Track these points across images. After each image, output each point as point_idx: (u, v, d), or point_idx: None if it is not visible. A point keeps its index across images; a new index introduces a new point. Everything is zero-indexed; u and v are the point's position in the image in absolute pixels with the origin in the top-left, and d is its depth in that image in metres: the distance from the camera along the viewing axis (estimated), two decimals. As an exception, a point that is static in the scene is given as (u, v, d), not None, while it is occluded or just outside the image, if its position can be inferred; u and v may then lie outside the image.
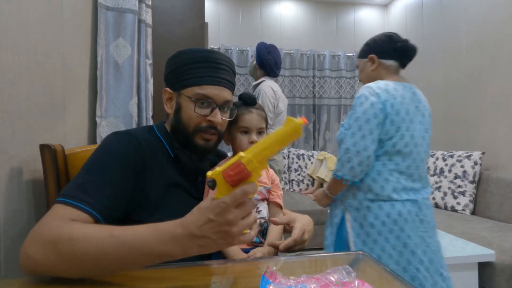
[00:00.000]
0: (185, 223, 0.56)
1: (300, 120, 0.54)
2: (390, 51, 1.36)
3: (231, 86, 0.89)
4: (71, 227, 0.61)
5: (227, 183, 0.56)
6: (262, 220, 0.96)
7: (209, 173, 0.57)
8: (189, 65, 0.84)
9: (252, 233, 0.60)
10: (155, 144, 0.85)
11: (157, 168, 0.82)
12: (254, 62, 2.55)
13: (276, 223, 0.87)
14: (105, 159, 0.75)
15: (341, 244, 1.37)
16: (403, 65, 1.38)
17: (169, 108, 0.89)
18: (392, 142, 1.25)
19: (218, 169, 0.57)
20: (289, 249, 0.84)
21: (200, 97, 0.83)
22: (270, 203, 1.01)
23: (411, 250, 1.23)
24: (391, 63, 1.36)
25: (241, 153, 0.56)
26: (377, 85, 1.28)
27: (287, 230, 0.92)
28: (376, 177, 1.27)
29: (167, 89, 0.89)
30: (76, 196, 0.67)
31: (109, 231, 0.59)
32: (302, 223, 0.88)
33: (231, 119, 0.91)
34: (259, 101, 2.41)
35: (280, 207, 1.01)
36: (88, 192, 0.69)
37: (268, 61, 2.48)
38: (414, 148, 1.28)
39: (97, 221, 0.68)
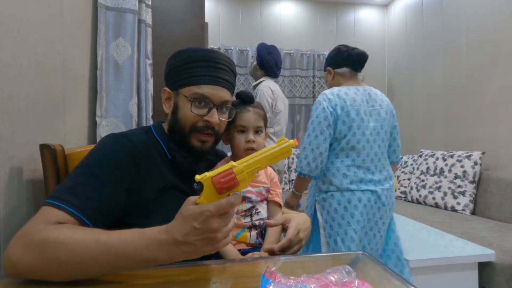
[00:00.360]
0: (170, 230, 0.56)
1: (291, 141, 0.61)
2: (340, 60, 1.56)
3: (230, 86, 0.87)
4: (58, 230, 0.60)
5: (214, 189, 0.57)
6: (261, 221, 0.96)
7: (198, 176, 0.57)
8: (188, 64, 0.83)
9: (230, 237, 0.60)
10: (152, 145, 0.84)
11: (154, 170, 0.81)
12: (255, 63, 2.55)
13: (270, 225, 0.86)
14: (97, 162, 0.73)
15: (315, 230, 1.55)
16: (355, 69, 1.57)
17: (167, 108, 0.88)
18: (346, 139, 1.45)
19: (208, 174, 0.58)
20: (285, 250, 0.83)
21: (198, 96, 0.82)
22: (269, 202, 1.01)
23: (366, 232, 1.45)
24: (344, 70, 1.57)
25: (233, 163, 0.59)
26: (331, 91, 1.49)
27: (284, 230, 0.92)
28: (335, 172, 1.46)
29: (166, 88, 0.88)
30: (64, 198, 0.66)
31: (95, 235, 0.59)
32: (297, 222, 0.86)
33: (230, 119, 0.90)
34: (257, 101, 2.40)
35: (280, 205, 1.01)
36: (76, 195, 0.67)
37: (268, 62, 2.49)
38: (367, 143, 1.46)
39: (83, 224, 0.66)
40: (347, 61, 1.55)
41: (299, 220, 0.88)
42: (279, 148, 0.61)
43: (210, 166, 0.97)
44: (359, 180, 1.44)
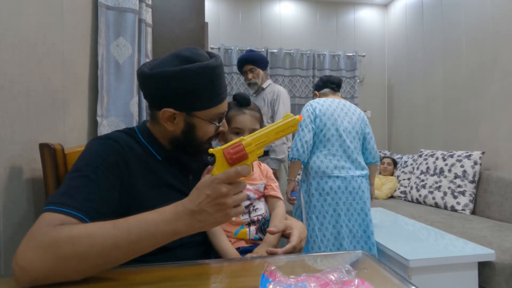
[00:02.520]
0: (185, 202, 0.62)
1: (297, 116, 0.65)
2: (321, 84, 2.15)
3: (227, 90, 0.92)
4: (67, 228, 0.60)
5: (225, 160, 0.64)
6: (260, 217, 0.97)
7: (211, 150, 0.65)
8: (204, 88, 0.79)
9: (241, 207, 0.65)
10: (137, 146, 0.83)
11: (143, 169, 0.81)
12: (260, 72, 2.63)
13: (272, 233, 0.88)
14: (87, 165, 0.73)
15: (298, 209, 2.00)
16: (333, 89, 2.11)
17: (172, 127, 0.83)
18: (323, 132, 1.90)
19: (219, 147, 0.64)
20: (287, 254, 0.86)
21: (219, 116, 0.85)
22: (267, 197, 1.02)
23: (338, 213, 1.83)
24: (325, 90, 2.12)
25: (242, 137, 0.66)
26: (314, 100, 1.99)
27: (284, 236, 0.94)
28: (316, 159, 1.89)
29: (169, 109, 0.80)
30: (63, 202, 0.65)
31: (111, 223, 0.60)
32: (300, 231, 0.90)
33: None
34: (280, 103, 2.55)
35: (277, 197, 1.02)
36: (74, 197, 0.66)
37: (267, 60, 2.65)
38: (339, 137, 1.89)
39: None
40: (326, 83, 2.11)
41: (300, 229, 0.91)
42: (285, 122, 0.65)
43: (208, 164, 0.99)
44: (333, 166, 1.86)
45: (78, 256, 0.57)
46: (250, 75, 2.59)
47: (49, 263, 0.56)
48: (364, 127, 2.00)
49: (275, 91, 2.57)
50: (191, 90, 0.78)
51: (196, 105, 0.81)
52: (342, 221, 1.83)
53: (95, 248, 0.57)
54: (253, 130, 0.94)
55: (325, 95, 2.11)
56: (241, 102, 0.98)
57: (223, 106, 0.85)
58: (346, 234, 1.83)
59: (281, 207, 1.00)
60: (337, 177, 1.84)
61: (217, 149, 0.64)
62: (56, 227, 0.60)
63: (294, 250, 0.85)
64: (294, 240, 0.86)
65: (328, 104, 1.94)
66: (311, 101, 1.99)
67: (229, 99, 0.89)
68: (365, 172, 1.92)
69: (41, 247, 0.57)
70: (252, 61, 2.58)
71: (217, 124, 0.85)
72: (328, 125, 1.89)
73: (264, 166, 1.06)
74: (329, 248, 1.82)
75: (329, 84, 2.10)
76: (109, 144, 0.77)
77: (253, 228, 0.95)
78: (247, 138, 0.65)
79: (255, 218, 0.96)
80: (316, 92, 2.19)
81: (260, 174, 1.02)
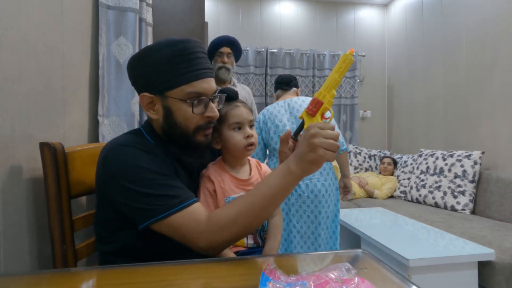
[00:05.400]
0: (293, 153, 0.76)
1: (347, 52, 0.74)
2: (274, 86, 2.15)
3: (212, 72, 0.84)
4: (219, 215, 0.76)
5: (309, 115, 0.77)
6: None
7: (300, 116, 0.78)
8: (166, 63, 0.78)
9: (333, 153, 0.71)
10: (154, 147, 0.83)
11: (169, 167, 0.83)
12: (234, 62, 2.28)
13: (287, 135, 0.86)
14: (143, 167, 0.76)
15: None
16: (284, 88, 2.08)
17: (154, 114, 0.83)
18: (269, 144, 1.92)
19: (303, 111, 0.78)
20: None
21: (193, 95, 0.79)
22: None
23: (290, 218, 1.85)
24: (278, 92, 2.12)
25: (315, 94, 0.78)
26: (261, 112, 2.01)
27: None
28: (273, 167, 1.88)
29: (145, 94, 0.81)
30: (172, 203, 0.74)
31: (246, 196, 0.77)
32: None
33: (221, 106, 0.89)
34: (253, 104, 2.41)
35: None
36: (172, 195, 0.75)
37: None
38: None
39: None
40: (277, 85, 2.12)
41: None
42: (341, 61, 0.74)
43: (213, 154, 0.99)
44: None
45: (243, 227, 0.76)
46: (226, 59, 2.19)
47: (227, 238, 0.76)
48: None
49: (247, 90, 2.34)
50: (155, 67, 0.78)
51: (166, 84, 0.79)
52: (296, 221, 1.85)
53: (250, 219, 0.75)
54: (250, 122, 0.92)
55: (278, 96, 2.11)
56: (232, 95, 0.94)
57: (200, 85, 0.80)
58: (294, 234, 1.86)
59: (278, 215, 0.98)
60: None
61: (303, 113, 0.78)
62: (211, 219, 0.75)
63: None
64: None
65: (270, 112, 1.94)
66: (265, 108, 2.01)
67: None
68: (328, 172, 1.87)
69: (223, 227, 0.75)
70: (234, 45, 2.23)
71: (193, 102, 0.79)
72: (271, 135, 1.90)
73: (265, 168, 1.03)
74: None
75: (279, 85, 2.10)
76: (133, 148, 0.79)
77: (250, 236, 0.93)
78: (319, 91, 0.77)
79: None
80: (274, 94, 2.19)
81: (259, 178, 1.00)
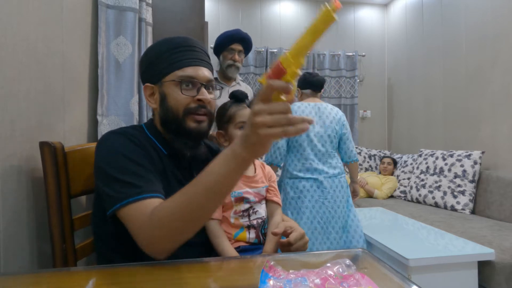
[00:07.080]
0: (239, 134, 0.65)
1: (334, 4, 0.51)
2: (304, 84, 2.14)
3: (209, 66, 0.90)
4: (160, 208, 0.68)
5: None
6: (260, 220, 0.97)
7: (259, 79, 0.66)
8: (165, 54, 0.85)
9: (277, 129, 0.57)
10: (147, 142, 0.85)
11: (154, 163, 0.83)
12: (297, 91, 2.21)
13: (276, 234, 0.90)
14: (124, 154, 0.76)
15: None
16: (315, 90, 2.12)
17: (154, 103, 0.88)
18: (295, 139, 1.99)
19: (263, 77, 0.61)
20: (287, 246, 0.89)
21: (184, 78, 0.83)
22: (268, 201, 1.02)
23: (310, 210, 1.92)
24: (306, 91, 2.13)
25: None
26: (295, 103, 2.04)
27: (285, 235, 0.95)
28: (290, 162, 2.01)
29: (148, 84, 0.88)
30: (132, 192, 0.71)
31: (187, 187, 0.67)
32: (300, 232, 0.93)
33: (219, 98, 0.93)
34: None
35: (278, 204, 1.03)
36: (137, 185, 0.72)
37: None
38: (311, 142, 1.99)
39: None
40: (309, 85, 2.12)
41: (301, 230, 0.94)
42: (319, 17, 0.54)
43: (212, 151, 0.99)
44: (305, 169, 1.97)
45: (184, 221, 0.66)
46: (237, 57, 2.09)
47: (167, 234, 0.67)
48: (339, 129, 2.07)
49: (249, 90, 2.25)
50: (155, 58, 0.86)
51: (163, 71, 0.85)
52: (320, 217, 1.94)
53: (187, 211, 0.65)
54: None
55: (306, 95, 2.15)
56: (240, 98, 1.02)
57: (192, 70, 0.84)
58: (318, 230, 1.94)
59: (279, 214, 1.02)
60: (309, 179, 1.96)
61: (262, 77, 0.60)
62: (153, 213, 0.68)
63: (301, 237, 0.91)
64: (299, 231, 0.92)
65: (301, 110, 2.03)
66: None
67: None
68: (337, 171, 2.00)
69: (154, 230, 0.67)
70: (247, 43, 2.12)
71: (181, 82, 0.83)
72: None
73: (268, 169, 1.07)
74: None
75: (311, 86, 2.12)
76: (126, 136, 0.81)
77: (252, 231, 0.96)
78: (284, 53, 0.58)
79: (255, 222, 0.97)
80: (299, 89, 2.17)
81: (263, 177, 1.03)
